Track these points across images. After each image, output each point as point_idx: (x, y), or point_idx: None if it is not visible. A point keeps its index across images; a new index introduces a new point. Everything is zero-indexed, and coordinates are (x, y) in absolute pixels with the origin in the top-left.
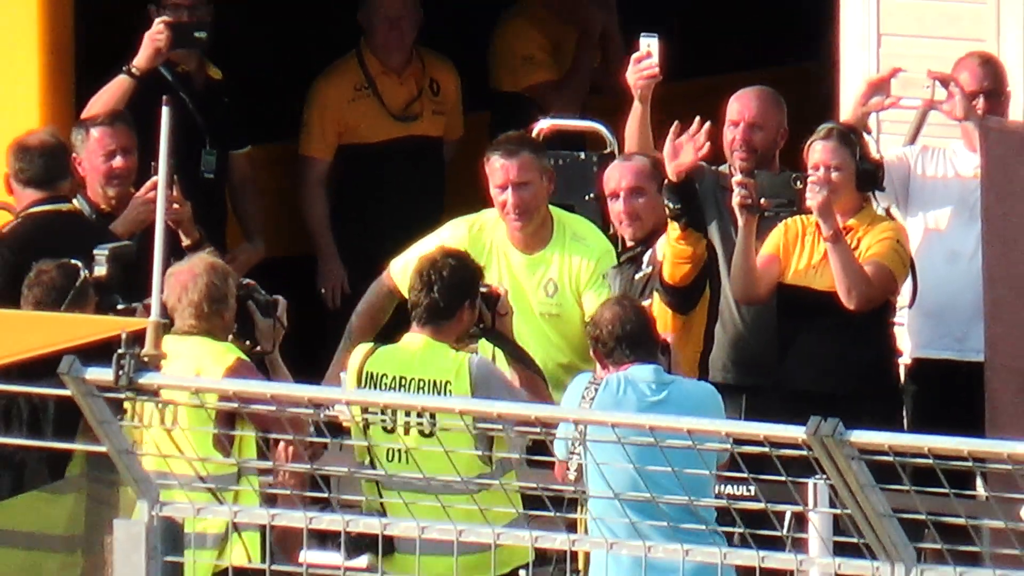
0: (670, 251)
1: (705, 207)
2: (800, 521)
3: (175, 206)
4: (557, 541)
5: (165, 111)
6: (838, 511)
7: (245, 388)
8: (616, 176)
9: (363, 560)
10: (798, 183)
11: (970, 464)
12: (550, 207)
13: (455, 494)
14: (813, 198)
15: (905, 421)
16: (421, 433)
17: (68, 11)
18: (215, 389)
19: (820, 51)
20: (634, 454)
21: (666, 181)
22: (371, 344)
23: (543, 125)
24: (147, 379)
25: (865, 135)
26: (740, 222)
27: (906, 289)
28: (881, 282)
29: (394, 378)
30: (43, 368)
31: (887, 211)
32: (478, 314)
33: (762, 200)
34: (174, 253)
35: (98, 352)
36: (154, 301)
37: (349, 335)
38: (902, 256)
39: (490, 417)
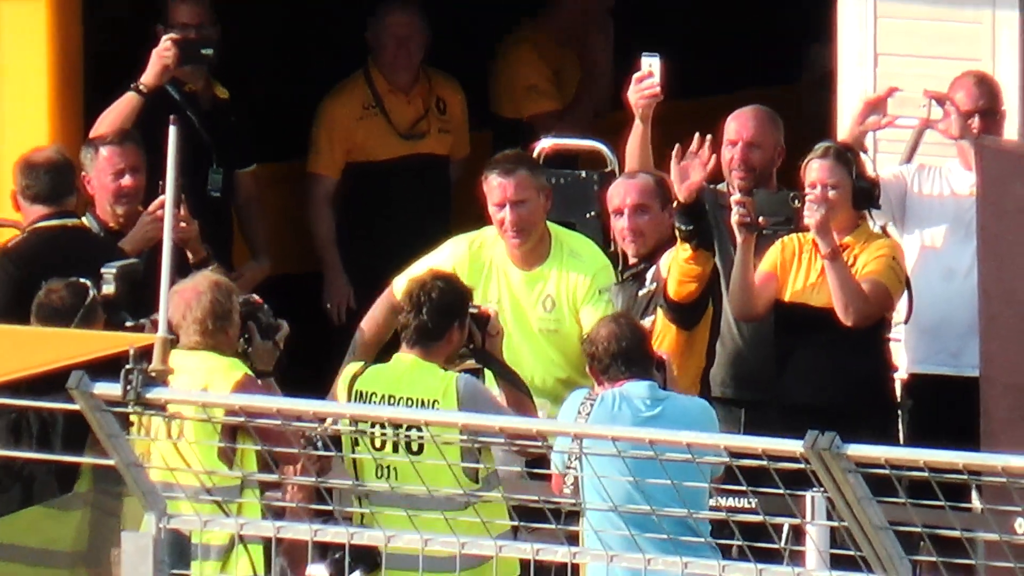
0: (678, 270)
1: None
2: (798, 534)
3: (182, 224)
4: (558, 554)
5: (172, 130)
6: (835, 524)
7: (251, 402)
8: (621, 193)
9: None
10: (796, 202)
11: (965, 477)
12: (548, 224)
13: (443, 510)
14: (811, 216)
15: (901, 435)
16: (409, 449)
17: (77, 29)
18: (221, 404)
19: (801, 72)
20: (629, 468)
21: (676, 203)
22: (360, 363)
23: (545, 144)
24: (155, 394)
25: (861, 154)
26: (739, 240)
27: (902, 305)
28: (878, 299)
29: (383, 396)
30: (52, 383)
31: (883, 229)
32: (468, 334)
33: (760, 218)
34: (181, 270)
35: (106, 367)
36: (161, 318)
37: (353, 350)
38: (898, 273)
39: (492, 431)
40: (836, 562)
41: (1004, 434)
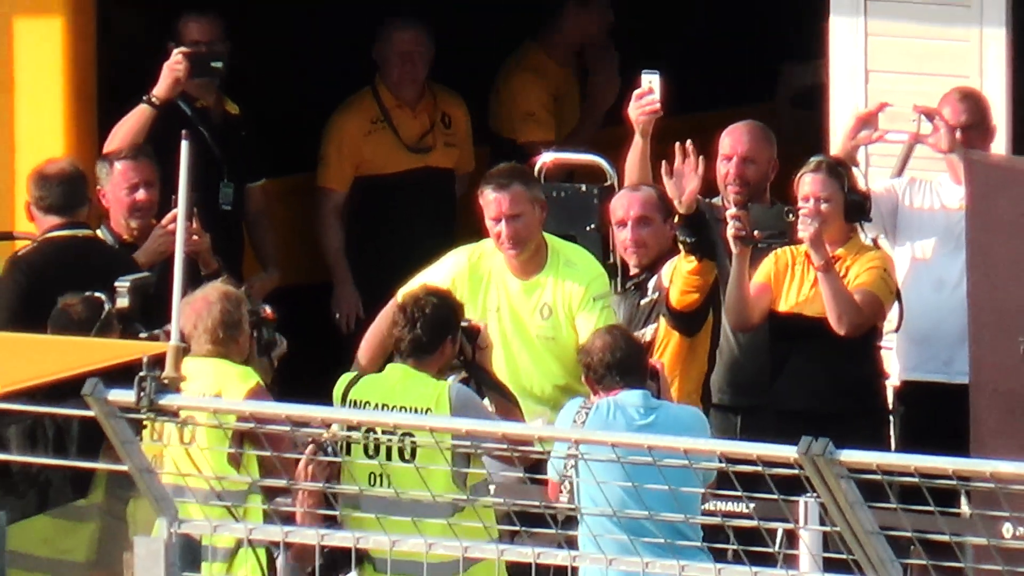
0: (682, 281)
1: None
2: (791, 538)
3: (194, 237)
4: (558, 557)
5: (185, 145)
6: (828, 528)
7: (260, 409)
8: (624, 205)
9: None
10: (790, 215)
11: (955, 483)
12: (545, 235)
13: (434, 516)
14: (805, 230)
15: (893, 441)
16: (401, 455)
17: (91, 45)
18: (231, 410)
19: (775, 90)
20: (624, 475)
21: (678, 217)
22: (354, 373)
23: (546, 159)
24: (167, 400)
25: (853, 168)
26: (734, 253)
27: (893, 314)
28: (870, 309)
29: (376, 405)
30: (68, 390)
31: (874, 241)
32: (459, 348)
33: (756, 232)
34: (193, 282)
35: (120, 375)
36: (173, 327)
37: (360, 359)
38: (888, 284)
39: (495, 436)
40: (829, 565)
41: (993, 440)
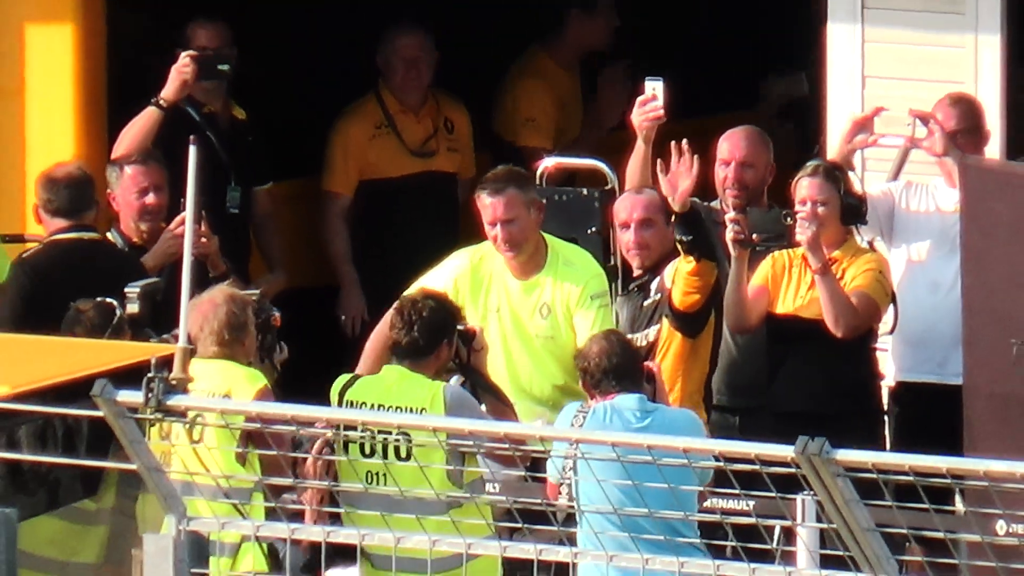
0: (683, 282)
1: None
2: (789, 535)
3: (203, 240)
4: (560, 554)
5: (193, 150)
6: (824, 526)
7: (266, 409)
8: (628, 207)
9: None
10: (788, 219)
11: (949, 481)
12: (545, 235)
13: (430, 513)
14: (803, 233)
15: (888, 440)
16: (397, 454)
17: (101, 51)
18: (237, 411)
19: (759, 99)
20: (622, 475)
21: (674, 217)
22: (349, 375)
23: (548, 163)
24: (175, 401)
25: (849, 172)
26: (733, 256)
27: (887, 316)
28: (866, 311)
29: (373, 406)
30: (78, 391)
31: (870, 243)
32: (455, 351)
33: (754, 235)
34: (201, 284)
35: (129, 376)
36: (181, 328)
37: (364, 360)
38: (884, 286)
39: (497, 437)
40: (826, 562)
41: (986, 440)
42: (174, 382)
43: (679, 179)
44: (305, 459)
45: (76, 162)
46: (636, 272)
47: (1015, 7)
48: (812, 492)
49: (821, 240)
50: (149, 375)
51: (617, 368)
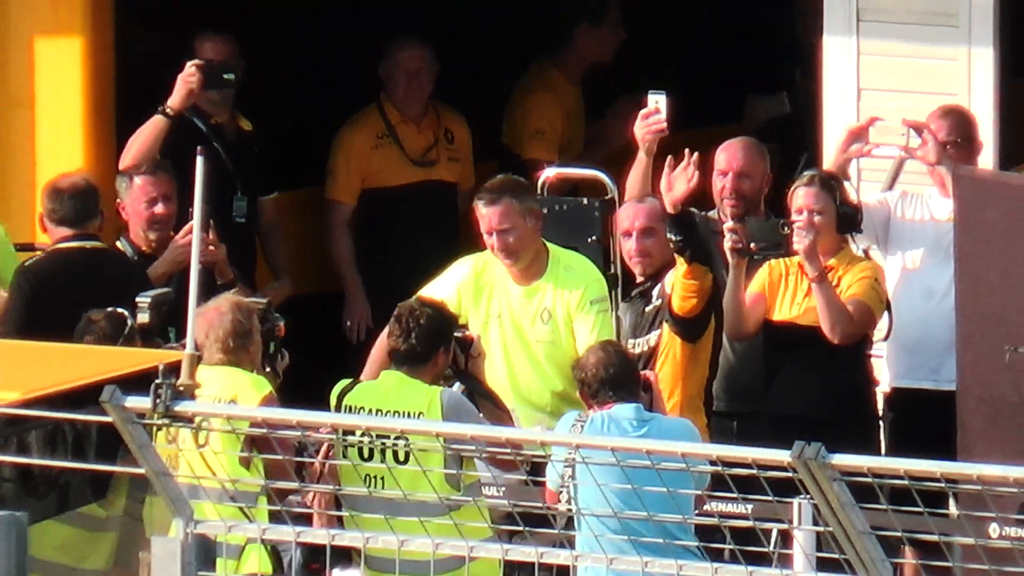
0: (679, 285)
1: None
2: (785, 538)
3: (211, 248)
4: (560, 557)
5: (200, 161)
6: (821, 529)
7: (272, 415)
8: (630, 216)
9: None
10: (785, 228)
11: (943, 485)
12: (544, 242)
13: (429, 515)
14: (800, 242)
15: (883, 445)
16: (395, 457)
17: (110, 62)
18: (244, 416)
19: (743, 113)
20: (620, 480)
21: (667, 216)
22: (349, 380)
23: (549, 173)
24: (182, 407)
25: (844, 182)
26: (731, 264)
27: (883, 323)
28: (862, 318)
29: (371, 411)
30: (87, 397)
31: (865, 252)
32: (452, 357)
33: (751, 244)
34: (210, 292)
35: (137, 382)
36: (188, 335)
37: (368, 369)
38: (879, 294)
39: (499, 442)
40: (822, 565)
41: (979, 444)
42: (181, 388)
43: (676, 181)
44: (311, 463)
45: (81, 172)
46: (638, 279)
47: (1008, 20)
48: (808, 496)
49: (817, 248)
50: (157, 381)
51: (614, 379)
